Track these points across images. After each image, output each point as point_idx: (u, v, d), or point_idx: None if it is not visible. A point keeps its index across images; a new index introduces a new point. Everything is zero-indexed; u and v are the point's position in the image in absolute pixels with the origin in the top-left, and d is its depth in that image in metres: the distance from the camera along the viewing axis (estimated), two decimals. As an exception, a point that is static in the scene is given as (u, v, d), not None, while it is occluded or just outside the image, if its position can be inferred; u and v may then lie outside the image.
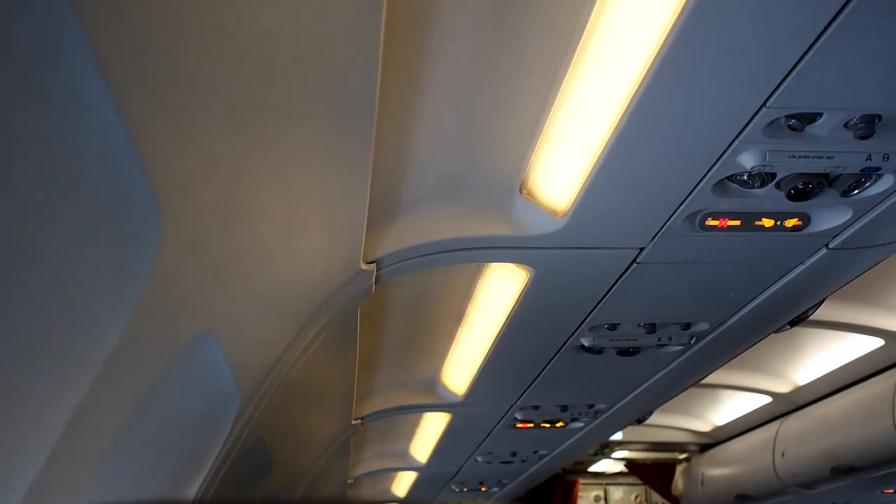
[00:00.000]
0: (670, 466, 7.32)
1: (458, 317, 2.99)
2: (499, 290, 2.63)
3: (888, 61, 1.48)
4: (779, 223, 2.06)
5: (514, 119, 1.85)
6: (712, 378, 3.95)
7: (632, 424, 4.72)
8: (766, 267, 2.36)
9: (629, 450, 7.15)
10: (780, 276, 2.42)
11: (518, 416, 4.05)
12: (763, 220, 2.04)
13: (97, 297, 1.31)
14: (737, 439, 6.22)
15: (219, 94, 1.25)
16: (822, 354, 4.67)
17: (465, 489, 6.10)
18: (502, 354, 3.04)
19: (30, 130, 1.05)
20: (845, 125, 1.66)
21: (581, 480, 8.38)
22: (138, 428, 1.61)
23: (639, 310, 2.69)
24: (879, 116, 1.64)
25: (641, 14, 1.45)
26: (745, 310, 2.68)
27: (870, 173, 1.84)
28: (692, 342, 2.97)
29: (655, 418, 4.90)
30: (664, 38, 1.42)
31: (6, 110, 1.00)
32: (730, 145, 1.72)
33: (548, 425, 4.24)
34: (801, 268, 2.34)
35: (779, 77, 1.51)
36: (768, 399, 5.35)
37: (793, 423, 5.33)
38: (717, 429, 6.35)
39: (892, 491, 5.62)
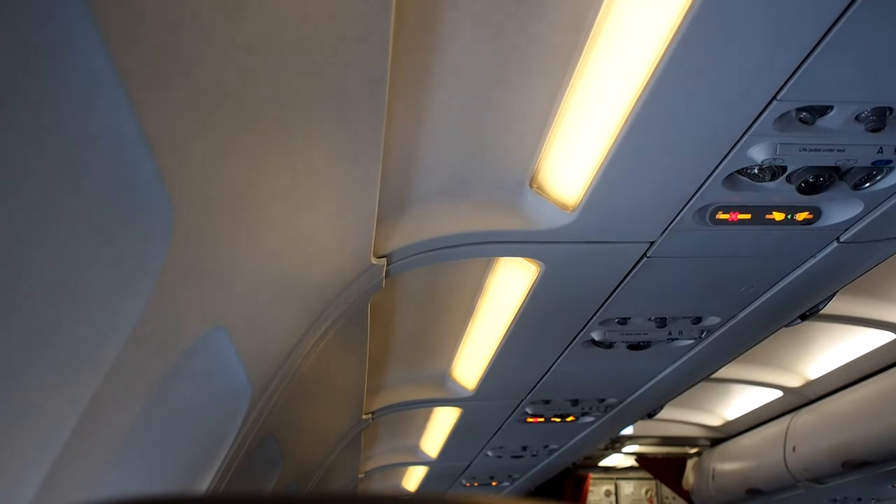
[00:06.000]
0: (681, 461, 7.31)
1: (468, 311, 2.99)
2: (509, 285, 2.63)
3: (899, 54, 1.48)
4: (789, 217, 2.05)
5: (525, 113, 1.85)
6: (723, 372, 3.94)
7: (642, 419, 4.71)
8: (776, 261, 2.36)
9: (640, 444, 7.14)
10: (790, 269, 2.41)
11: (528, 410, 4.06)
12: (774, 213, 2.04)
13: (109, 292, 1.32)
14: (747, 434, 6.21)
15: (230, 88, 1.26)
16: (833, 349, 4.66)
17: (476, 484, 6.11)
18: (513, 349, 3.05)
19: (40, 124, 1.05)
20: (856, 118, 1.66)
21: (592, 475, 8.37)
22: (150, 422, 1.62)
23: (649, 304, 2.69)
24: (891, 109, 1.63)
25: (651, 8, 1.45)
26: (756, 304, 2.68)
27: (881, 166, 1.84)
28: (703, 336, 2.97)
29: (666, 413, 4.89)
30: (674, 31, 1.42)
31: (16, 103, 1.01)
32: (740, 139, 1.72)
33: (558, 420, 4.24)
34: (812, 261, 2.33)
35: (789, 70, 1.50)
36: (779, 393, 5.34)
37: (804, 417, 5.32)
38: (728, 423, 6.34)
39: (903, 485, 5.60)
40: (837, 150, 1.75)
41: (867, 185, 1.90)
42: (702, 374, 3.72)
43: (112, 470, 1.56)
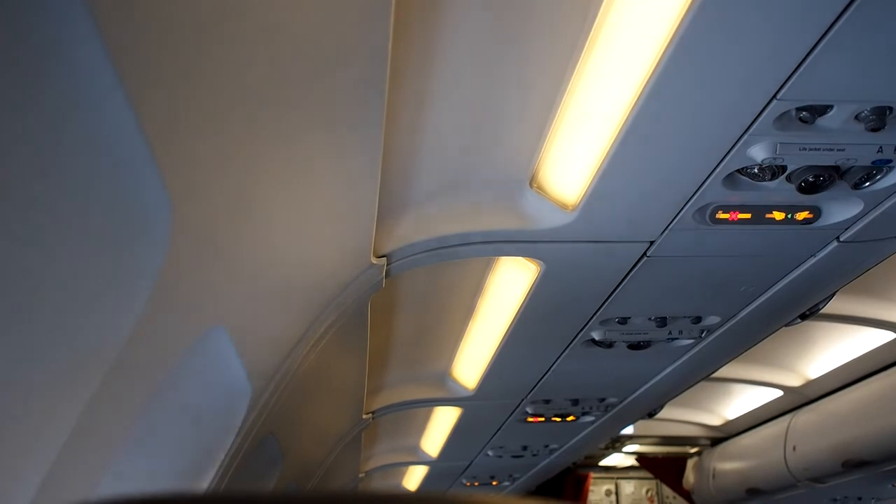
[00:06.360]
0: (681, 461, 7.31)
1: (468, 311, 2.99)
2: (509, 284, 2.63)
3: (899, 53, 1.48)
4: (790, 216, 2.05)
5: (524, 112, 1.85)
6: (723, 372, 3.94)
7: (643, 418, 4.72)
8: (776, 260, 2.36)
9: (640, 444, 7.15)
10: (790, 269, 2.41)
11: (529, 410, 4.05)
12: (774, 213, 2.04)
13: (109, 293, 1.32)
14: (748, 433, 6.21)
15: (230, 88, 1.26)
16: (833, 348, 4.66)
17: (477, 483, 6.11)
18: (513, 349, 3.05)
19: (39, 124, 1.05)
20: (856, 117, 1.66)
21: (592, 474, 8.37)
22: (150, 422, 1.62)
23: (649, 303, 2.69)
24: (890, 108, 1.63)
25: (651, 7, 1.45)
26: (756, 303, 2.67)
27: (881, 166, 1.84)
28: (703, 336, 2.97)
29: (666, 412, 4.89)
30: (674, 31, 1.42)
31: (15, 105, 1.01)
32: (740, 138, 1.72)
33: (559, 419, 4.24)
34: (812, 261, 2.33)
35: (789, 69, 1.50)
36: (779, 393, 5.34)
37: (804, 417, 5.32)
38: (728, 423, 6.34)
39: (903, 484, 5.60)
40: (837, 150, 1.75)
41: (867, 184, 1.90)
42: (702, 373, 3.72)
43: (112, 469, 1.56)
